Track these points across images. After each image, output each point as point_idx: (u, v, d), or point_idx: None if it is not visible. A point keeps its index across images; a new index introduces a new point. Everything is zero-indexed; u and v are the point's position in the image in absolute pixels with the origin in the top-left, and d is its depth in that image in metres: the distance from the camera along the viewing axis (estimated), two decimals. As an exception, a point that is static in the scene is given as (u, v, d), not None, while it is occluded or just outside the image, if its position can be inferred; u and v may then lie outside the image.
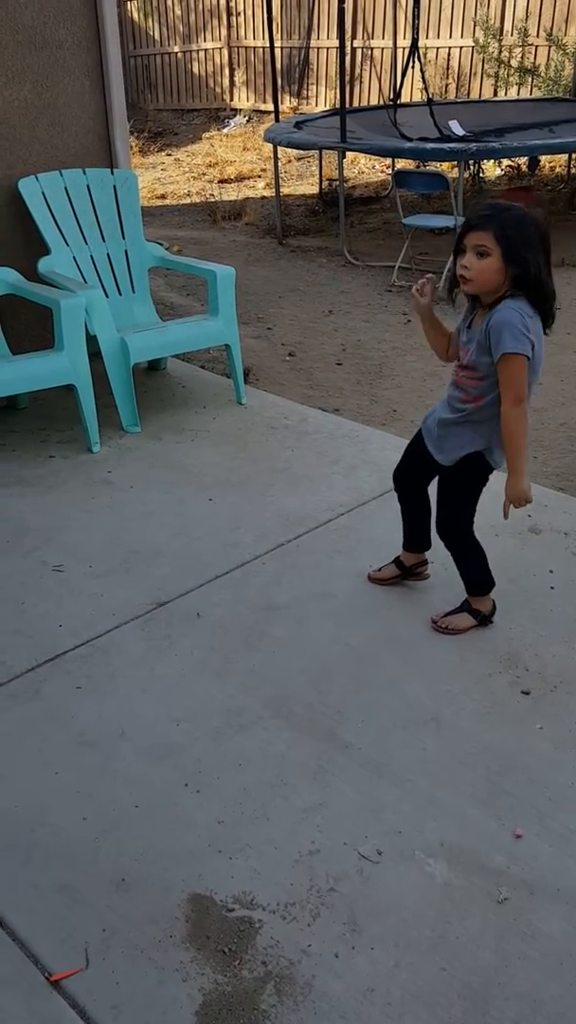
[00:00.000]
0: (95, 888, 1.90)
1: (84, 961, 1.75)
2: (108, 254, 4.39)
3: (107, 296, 4.14)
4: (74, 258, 4.27)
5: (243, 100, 12.98)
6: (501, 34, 10.46)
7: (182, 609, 2.79)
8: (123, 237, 4.42)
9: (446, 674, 2.48)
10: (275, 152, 7.68)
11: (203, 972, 1.73)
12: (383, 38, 11.05)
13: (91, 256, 4.34)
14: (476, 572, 2.66)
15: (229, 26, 12.77)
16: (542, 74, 9.98)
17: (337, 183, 7.51)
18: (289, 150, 9.09)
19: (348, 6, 7.79)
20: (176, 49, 13.38)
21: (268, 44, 7.67)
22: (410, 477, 2.71)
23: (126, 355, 3.87)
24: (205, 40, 13.07)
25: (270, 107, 9.58)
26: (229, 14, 12.71)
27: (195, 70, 13.33)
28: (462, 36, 10.80)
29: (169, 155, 11.50)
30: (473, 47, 10.62)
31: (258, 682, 2.47)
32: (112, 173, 4.39)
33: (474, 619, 2.66)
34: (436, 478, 2.63)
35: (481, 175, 8.76)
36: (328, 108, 10.55)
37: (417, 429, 2.66)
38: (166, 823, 2.05)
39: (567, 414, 4.19)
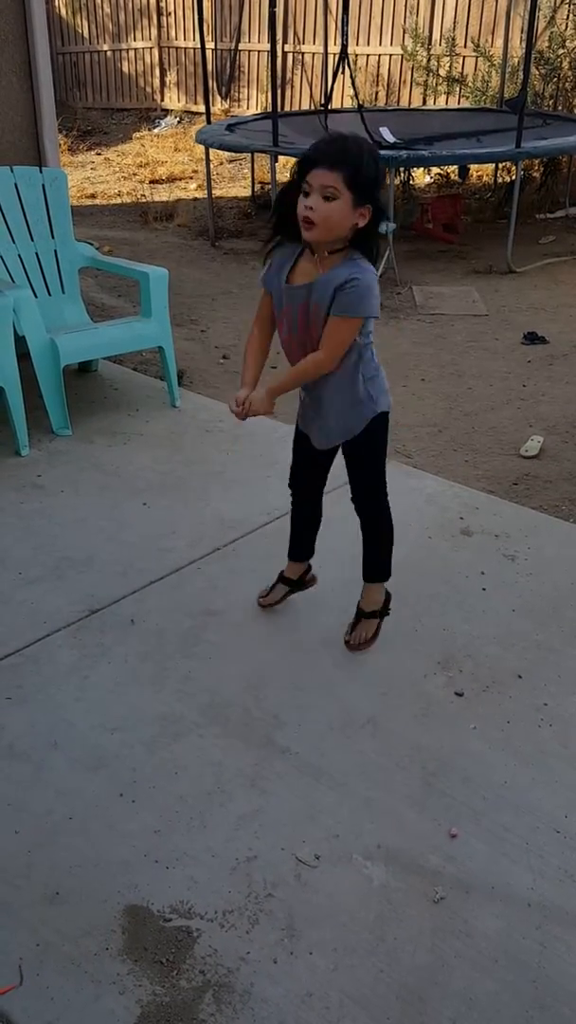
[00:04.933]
0: (28, 902, 1.86)
1: (18, 977, 1.72)
2: (37, 253, 4.31)
3: (36, 296, 4.06)
4: (1, 257, 4.18)
5: (174, 101, 12.89)
6: (430, 43, 10.62)
7: (116, 616, 2.75)
8: (52, 236, 4.34)
9: (381, 677, 2.50)
10: (207, 154, 7.65)
11: (140, 984, 1.71)
12: (314, 43, 11.11)
13: (19, 255, 4.25)
14: (387, 551, 2.53)
15: (159, 26, 12.68)
16: (470, 84, 10.16)
17: (269, 186, 7.51)
18: (221, 152, 9.07)
19: (279, 10, 7.81)
20: (106, 47, 13.21)
21: (199, 45, 7.63)
22: (305, 476, 2.57)
23: (56, 357, 3.80)
24: (135, 39, 12.94)
25: (201, 108, 9.53)
26: (159, 14, 12.61)
27: (125, 69, 13.19)
28: (392, 44, 10.93)
29: (99, 154, 11.34)
30: (402, 55, 10.76)
31: (194, 689, 2.46)
32: (41, 172, 4.31)
33: (377, 619, 2.58)
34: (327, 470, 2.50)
35: (411, 182, 8.87)
36: (260, 111, 10.56)
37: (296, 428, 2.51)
38: (101, 834, 2.02)
39: (496, 418, 4.27)
